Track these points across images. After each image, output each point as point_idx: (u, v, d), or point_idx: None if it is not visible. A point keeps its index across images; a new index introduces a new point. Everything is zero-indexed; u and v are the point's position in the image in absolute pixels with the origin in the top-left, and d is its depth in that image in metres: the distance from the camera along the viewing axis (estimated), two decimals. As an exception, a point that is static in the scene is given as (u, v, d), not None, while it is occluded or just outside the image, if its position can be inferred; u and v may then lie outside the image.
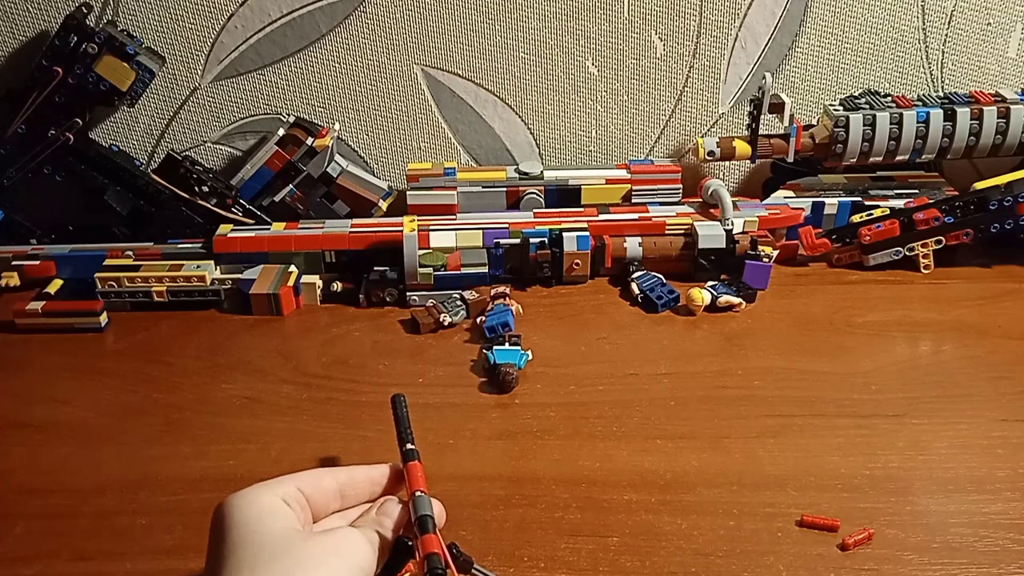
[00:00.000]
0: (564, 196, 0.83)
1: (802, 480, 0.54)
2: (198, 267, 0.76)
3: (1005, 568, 0.47)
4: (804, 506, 0.51)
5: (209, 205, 0.80)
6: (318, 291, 0.76)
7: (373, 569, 0.38)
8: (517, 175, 0.83)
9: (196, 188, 0.80)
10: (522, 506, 0.52)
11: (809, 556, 0.48)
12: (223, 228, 0.79)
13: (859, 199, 0.83)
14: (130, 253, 0.79)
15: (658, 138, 0.90)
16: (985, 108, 0.79)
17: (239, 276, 0.76)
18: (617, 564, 0.48)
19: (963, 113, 0.79)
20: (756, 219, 0.80)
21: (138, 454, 0.57)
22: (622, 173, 0.84)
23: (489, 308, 0.72)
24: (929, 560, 0.47)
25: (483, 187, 0.82)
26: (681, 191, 0.84)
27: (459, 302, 0.73)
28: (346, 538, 0.38)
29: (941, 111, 0.79)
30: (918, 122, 0.79)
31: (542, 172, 0.83)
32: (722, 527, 0.50)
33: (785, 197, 0.84)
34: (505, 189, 0.82)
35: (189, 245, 0.79)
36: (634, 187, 0.83)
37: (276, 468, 0.55)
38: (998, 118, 0.79)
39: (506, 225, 0.79)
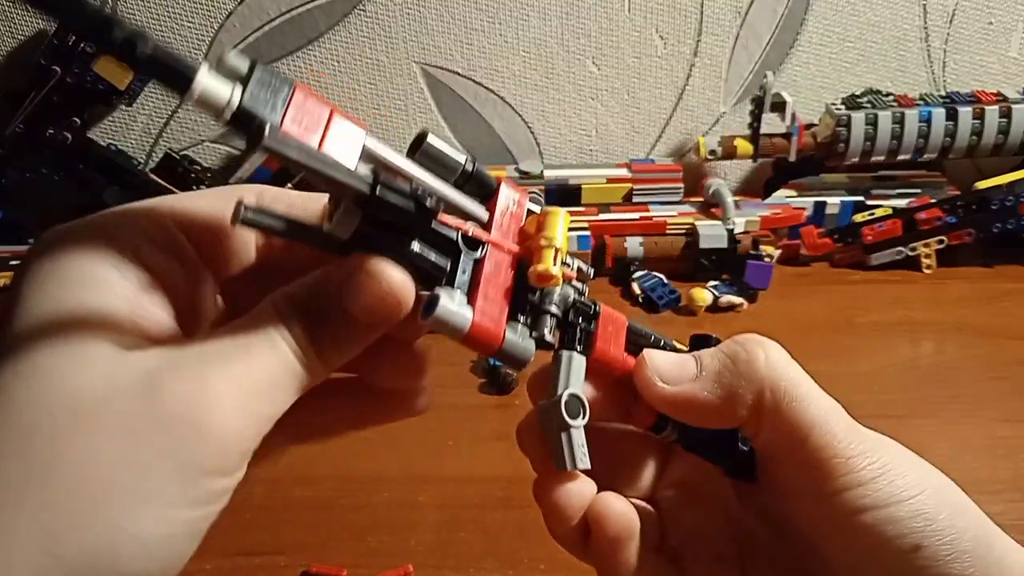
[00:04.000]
0: (564, 195, 0.83)
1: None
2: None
3: (1008, 570, 0.47)
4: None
5: (208, 204, 0.80)
6: (317, 291, 0.76)
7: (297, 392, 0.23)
8: (517, 174, 0.83)
9: (194, 187, 0.80)
10: (522, 507, 0.52)
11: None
12: (222, 227, 0.79)
13: (861, 199, 0.83)
14: (129, 252, 0.78)
15: (659, 137, 0.90)
16: (987, 107, 0.79)
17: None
18: (618, 566, 0.47)
19: (965, 112, 0.79)
20: (758, 218, 0.80)
21: (136, 455, 0.57)
22: (623, 172, 0.84)
23: None
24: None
25: (483, 186, 0.82)
26: (682, 190, 0.83)
27: (459, 302, 0.73)
28: (251, 353, 0.22)
29: (943, 110, 0.79)
30: (920, 121, 0.79)
31: (542, 171, 0.83)
32: (723, 529, 0.50)
33: (787, 196, 0.84)
34: (505, 188, 0.82)
35: (188, 244, 0.79)
36: (635, 186, 0.83)
37: (274, 469, 0.55)
38: (1000, 117, 0.79)
39: (506, 224, 0.79)
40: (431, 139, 0.24)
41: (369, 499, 0.53)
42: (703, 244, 0.77)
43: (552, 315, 0.25)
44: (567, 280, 0.26)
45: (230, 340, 0.22)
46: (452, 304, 0.23)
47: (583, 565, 0.48)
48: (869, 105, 0.80)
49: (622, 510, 0.26)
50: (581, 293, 0.27)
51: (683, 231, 0.79)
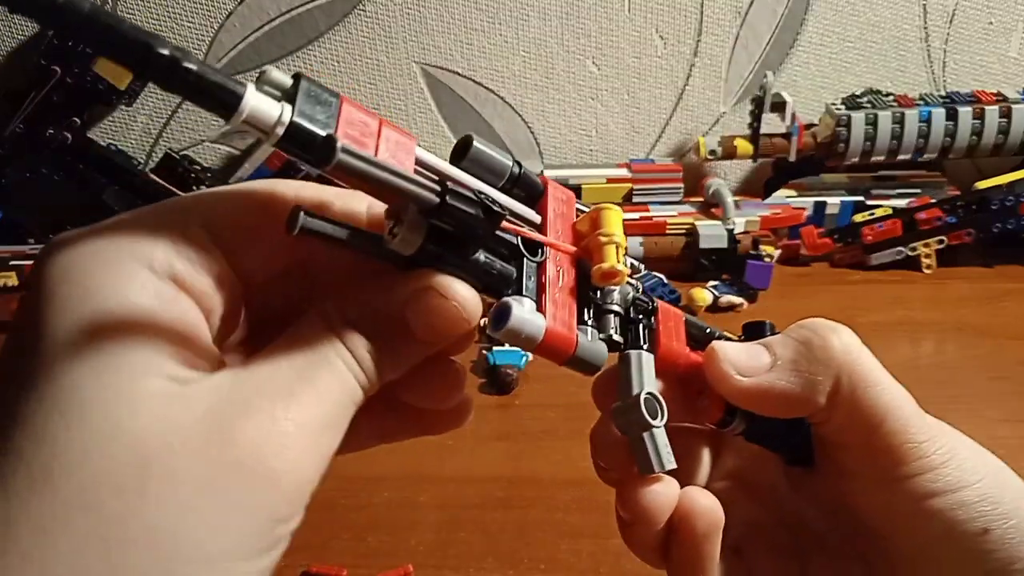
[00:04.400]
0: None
1: (804, 481, 0.53)
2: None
3: (1008, 570, 0.47)
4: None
5: (208, 204, 0.80)
6: (317, 291, 0.76)
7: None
8: (517, 174, 0.83)
9: (194, 187, 0.80)
10: (522, 507, 0.52)
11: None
12: (222, 227, 0.79)
13: (861, 199, 0.83)
14: (129, 252, 0.78)
15: (659, 137, 0.90)
16: (987, 107, 0.79)
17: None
18: (618, 566, 0.47)
19: (965, 112, 0.79)
20: (758, 219, 0.80)
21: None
22: (623, 172, 0.84)
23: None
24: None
25: (483, 186, 0.82)
26: (682, 190, 0.83)
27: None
28: (317, 380, 0.20)
29: (943, 110, 0.79)
30: (920, 121, 0.79)
31: (542, 171, 0.83)
32: (723, 529, 0.50)
33: (787, 196, 0.84)
34: (505, 188, 0.82)
35: (188, 244, 0.79)
36: (635, 186, 0.83)
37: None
38: (1000, 117, 0.79)
39: (506, 224, 0.79)
40: (478, 143, 0.23)
41: (369, 499, 0.53)
42: (703, 244, 0.77)
43: (616, 314, 0.25)
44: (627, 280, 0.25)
45: (287, 366, 0.20)
46: (524, 312, 0.22)
47: (583, 565, 0.48)
48: (869, 105, 0.80)
49: (709, 505, 0.25)
50: (637, 290, 0.26)
51: (683, 231, 0.79)
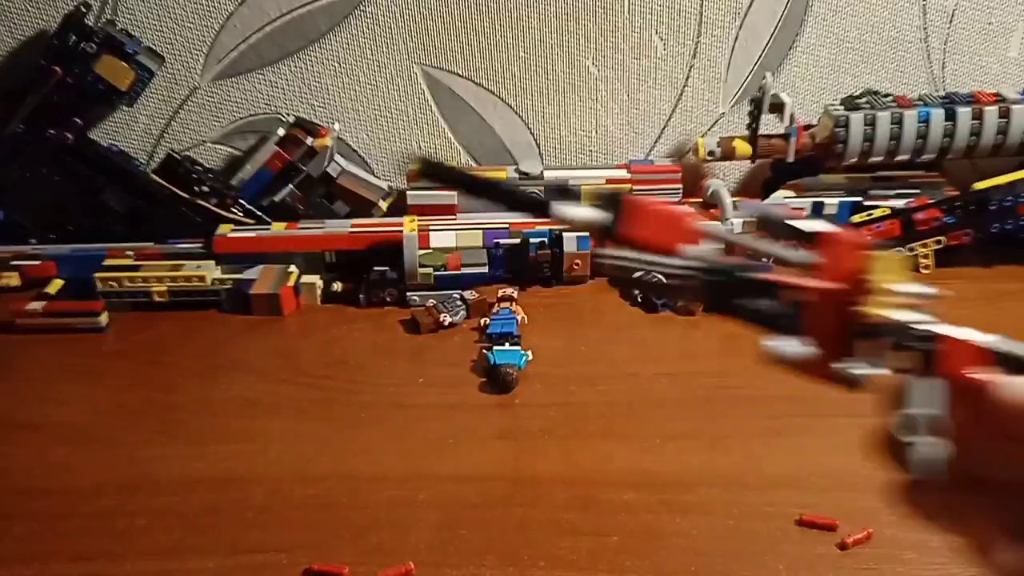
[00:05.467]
0: (564, 196, 0.82)
1: (801, 480, 0.54)
2: (198, 267, 0.76)
3: (1006, 568, 0.47)
4: (803, 505, 0.51)
5: (209, 205, 0.80)
6: (318, 291, 0.76)
7: None
8: (517, 175, 0.83)
9: (196, 188, 0.80)
10: (522, 506, 0.52)
11: (809, 555, 0.48)
12: (223, 228, 0.79)
13: (859, 199, 0.83)
14: (130, 253, 0.79)
15: (658, 138, 0.90)
16: (986, 108, 0.79)
17: (239, 276, 0.76)
18: (617, 563, 0.48)
19: (964, 113, 0.79)
20: (756, 219, 0.80)
21: (137, 455, 0.57)
22: (622, 173, 0.84)
23: (495, 311, 0.72)
24: (929, 560, 0.47)
25: (483, 187, 0.82)
26: (681, 191, 0.84)
27: (459, 302, 0.73)
28: None
29: (942, 111, 0.79)
30: (919, 122, 0.79)
31: (542, 172, 0.83)
32: (722, 527, 0.50)
33: (785, 197, 0.84)
34: (505, 189, 0.82)
35: (189, 245, 0.79)
36: (634, 187, 0.83)
37: (275, 469, 0.55)
38: (999, 118, 0.79)
39: (506, 225, 0.79)
40: (773, 209, 0.30)
41: (370, 498, 0.53)
42: (702, 244, 0.77)
43: (889, 342, 0.28)
44: (904, 308, 0.28)
45: None
46: (788, 347, 0.28)
47: (582, 563, 0.48)
48: (868, 105, 0.80)
49: None
50: (923, 317, 0.28)
51: (682, 231, 0.79)
